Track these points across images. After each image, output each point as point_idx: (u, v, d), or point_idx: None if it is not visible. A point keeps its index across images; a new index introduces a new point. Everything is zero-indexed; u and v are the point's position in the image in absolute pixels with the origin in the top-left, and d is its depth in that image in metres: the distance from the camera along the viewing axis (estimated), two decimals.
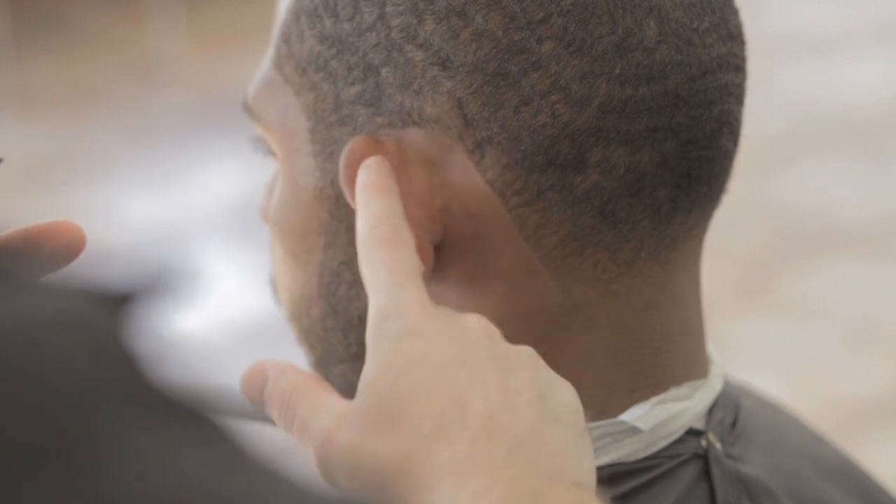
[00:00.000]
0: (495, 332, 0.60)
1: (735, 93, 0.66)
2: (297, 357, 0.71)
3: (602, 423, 0.66)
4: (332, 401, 0.59)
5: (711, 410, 0.69)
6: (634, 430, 0.66)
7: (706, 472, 0.68)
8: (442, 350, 0.58)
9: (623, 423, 0.66)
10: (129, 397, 0.33)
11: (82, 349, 0.34)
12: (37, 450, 0.31)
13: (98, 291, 0.36)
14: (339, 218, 0.68)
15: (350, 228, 0.68)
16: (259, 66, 0.92)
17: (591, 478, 0.57)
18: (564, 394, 0.59)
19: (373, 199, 0.63)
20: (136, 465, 0.32)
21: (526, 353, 0.60)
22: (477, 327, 0.59)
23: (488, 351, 0.58)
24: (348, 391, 0.72)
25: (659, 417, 0.67)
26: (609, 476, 0.65)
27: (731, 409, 0.71)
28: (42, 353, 0.33)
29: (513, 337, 0.65)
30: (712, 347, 0.72)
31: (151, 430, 0.33)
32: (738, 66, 0.66)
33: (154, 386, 0.34)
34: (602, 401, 0.66)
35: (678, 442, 0.68)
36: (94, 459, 0.32)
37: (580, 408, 0.59)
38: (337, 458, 0.57)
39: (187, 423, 0.34)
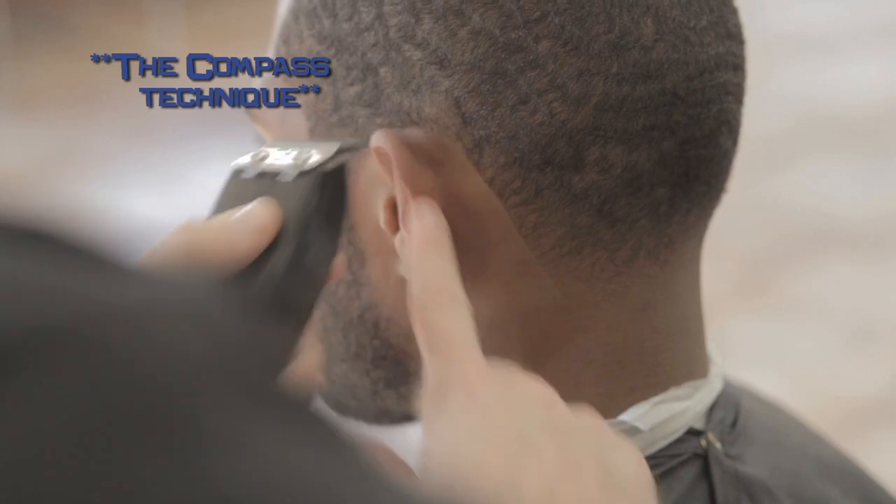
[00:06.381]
0: (554, 396, 0.58)
1: (734, 92, 0.66)
2: None
3: None
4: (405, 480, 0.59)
5: (711, 410, 0.69)
6: (634, 430, 0.66)
7: (706, 472, 0.68)
8: (498, 421, 0.56)
9: (623, 422, 0.66)
10: (245, 391, 0.34)
11: (202, 341, 0.34)
12: (153, 438, 0.32)
13: (212, 282, 0.36)
14: None
15: (349, 227, 0.68)
16: None
17: None
18: (629, 462, 0.58)
19: (431, 259, 0.62)
20: (250, 458, 0.33)
21: (586, 417, 0.58)
22: (534, 393, 0.58)
23: (546, 418, 0.57)
24: (349, 391, 0.72)
25: (659, 417, 0.67)
26: None
27: (732, 409, 0.70)
28: (162, 344, 0.34)
29: (510, 337, 0.65)
30: (713, 347, 0.72)
31: (266, 424, 0.34)
32: (736, 65, 0.66)
33: (271, 382, 0.35)
34: (601, 400, 0.66)
35: (678, 442, 0.67)
36: (210, 449, 0.32)
37: (646, 475, 0.58)
38: None
39: (301, 421, 0.35)
